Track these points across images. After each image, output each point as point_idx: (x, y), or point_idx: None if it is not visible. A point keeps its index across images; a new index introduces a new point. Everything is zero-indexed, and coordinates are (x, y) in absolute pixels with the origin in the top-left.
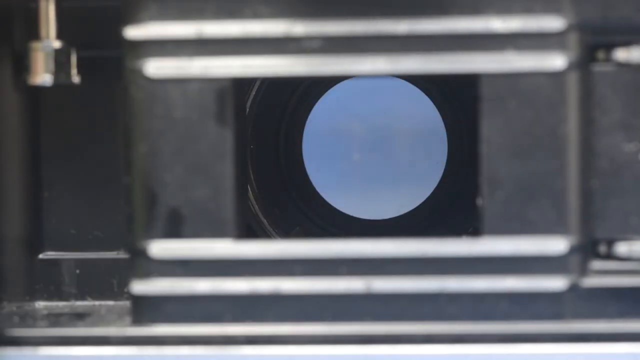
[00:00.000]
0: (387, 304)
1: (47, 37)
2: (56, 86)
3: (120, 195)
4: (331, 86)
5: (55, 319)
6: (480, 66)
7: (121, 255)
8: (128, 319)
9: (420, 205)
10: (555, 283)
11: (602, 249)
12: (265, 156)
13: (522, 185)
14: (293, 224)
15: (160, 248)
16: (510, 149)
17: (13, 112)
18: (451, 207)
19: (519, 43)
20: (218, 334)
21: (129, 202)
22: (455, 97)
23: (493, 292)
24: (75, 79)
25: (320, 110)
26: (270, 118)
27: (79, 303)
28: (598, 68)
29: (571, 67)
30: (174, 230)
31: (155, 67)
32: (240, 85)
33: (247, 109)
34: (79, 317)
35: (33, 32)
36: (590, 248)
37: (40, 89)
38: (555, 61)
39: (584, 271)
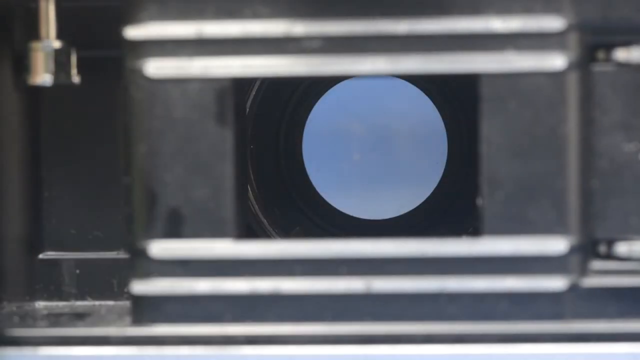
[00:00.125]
0: (387, 304)
1: (47, 37)
2: (56, 86)
3: (120, 195)
4: (331, 86)
5: (55, 319)
6: (480, 66)
7: (121, 255)
8: (128, 319)
9: (420, 205)
10: (555, 283)
11: (602, 249)
12: (265, 156)
13: (522, 185)
14: (293, 224)
15: (160, 248)
16: (510, 149)
17: (13, 112)
18: (451, 207)
19: (519, 43)
20: (218, 334)
21: (129, 202)
22: (455, 97)
23: (493, 292)
24: (75, 79)
25: (320, 110)
26: (270, 118)
27: (79, 303)
28: (598, 68)
29: (571, 67)
30: (174, 230)
31: (155, 67)
32: (240, 85)
33: (247, 109)
34: (79, 317)
35: (33, 32)
36: (590, 248)
37: (40, 89)
38: (555, 61)
39: (584, 271)
